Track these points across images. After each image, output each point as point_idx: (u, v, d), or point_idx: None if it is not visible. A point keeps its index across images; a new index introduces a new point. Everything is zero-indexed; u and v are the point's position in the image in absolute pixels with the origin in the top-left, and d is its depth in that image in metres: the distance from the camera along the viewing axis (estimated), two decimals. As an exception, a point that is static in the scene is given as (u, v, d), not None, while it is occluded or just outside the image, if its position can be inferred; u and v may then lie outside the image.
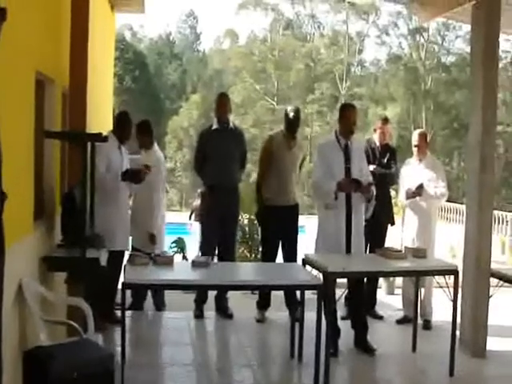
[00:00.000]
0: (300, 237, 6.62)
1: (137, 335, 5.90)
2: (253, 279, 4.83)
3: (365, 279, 5.97)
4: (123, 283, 4.29)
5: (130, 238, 6.45)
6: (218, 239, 6.49)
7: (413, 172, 6.49)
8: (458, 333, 5.31)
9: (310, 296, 4.91)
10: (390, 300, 7.92)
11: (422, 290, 6.28)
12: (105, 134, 5.23)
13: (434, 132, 35.59)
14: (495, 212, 11.95)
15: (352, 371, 5.40)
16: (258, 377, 5.05)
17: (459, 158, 38.80)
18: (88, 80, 5.86)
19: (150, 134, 6.51)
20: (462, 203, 21.67)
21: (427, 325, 6.42)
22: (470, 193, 5.81)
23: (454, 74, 38.28)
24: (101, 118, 8.08)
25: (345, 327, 5.64)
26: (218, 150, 6.39)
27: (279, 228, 6.40)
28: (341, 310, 6.08)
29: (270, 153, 6.42)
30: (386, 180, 6.50)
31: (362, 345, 5.57)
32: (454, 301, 5.08)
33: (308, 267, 5.09)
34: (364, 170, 5.59)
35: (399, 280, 7.73)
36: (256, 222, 9.78)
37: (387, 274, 6.40)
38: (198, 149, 6.66)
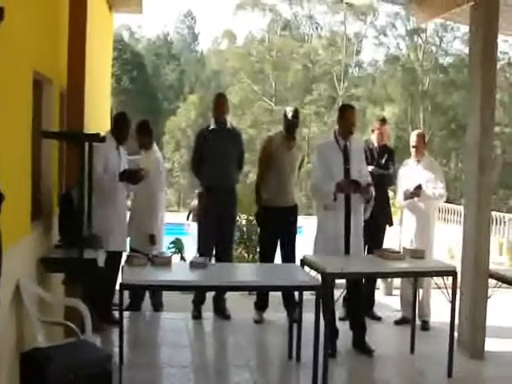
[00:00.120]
0: (298, 237, 6.62)
1: (135, 336, 5.88)
2: (251, 280, 4.81)
3: (363, 280, 5.96)
4: (121, 284, 4.29)
5: (129, 238, 6.46)
6: (216, 240, 6.48)
7: (411, 173, 6.49)
8: (456, 334, 5.30)
9: (308, 297, 4.91)
10: (387, 301, 7.92)
11: (420, 290, 6.27)
12: (103, 134, 5.22)
13: (432, 133, 35.60)
14: (493, 213, 11.93)
15: (350, 372, 5.39)
16: (256, 378, 5.03)
17: (457, 158, 38.83)
18: (86, 80, 5.85)
19: (149, 135, 6.50)
20: (459, 204, 21.69)
21: (425, 326, 6.42)
22: (468, 194, 5.80)
23: (451, 75, 38.31)
24: (99, 118, 8.07)
25: (343, 328, 5.63)
26: (215, 151, 6.38)
27: (278, 229, 6.41)
28: (339, 311, 6.07)
29: (268, 154, 6.42)
30: (384, 181, 6.49)
31: (361, 346, 5.57)
32: (453, 302, 5.08)
33: (306, 268, 5.09)
34: (363, 171, 5.59)
35: (397, 281, 7.73)
36: (254, 222, 9.85)
37: (385, 275, 6.39)
38: (195, 149, 6.65)
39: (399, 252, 5.47)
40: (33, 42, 4.30)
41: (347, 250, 5.42)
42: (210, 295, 6.55)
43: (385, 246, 6.36)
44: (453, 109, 37.47)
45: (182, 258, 9.13)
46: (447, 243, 12.99)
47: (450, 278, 5.10)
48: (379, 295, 7.59)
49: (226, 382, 5.04)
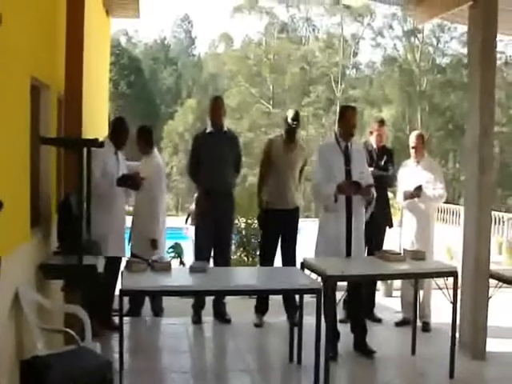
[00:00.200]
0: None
1: (135, 342, 5.86)
2: (251, 284, 4.79)
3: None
4: (121, 290, 4.27)
5: (131, 244, 6.45)
6: (213, 244, 6.45)
7: (410, 174, 6.48)
8: (457, 335, 5.29)
9: (309, 299, 4.90)
10: (388, 302, 7.89)
11: (421, 292, 6.26)
12: (101, 139, 5.20)
13: (430, 133, 35.64)
14: (492, 213, 11.94)
15: (352, 375, 5.38)
16: (257, 382, 5.03)
17: (454, 159, 38.89)
18: (83, 85, 5.84)
19: (149, 140, 6.49)
20: (457, 204, 21.69)
21: (426, 327, 6.40)
22: (469, 194, 5.79)
23: (448, 76, 38.38)
24: (96, 123, 8.06)
25: (343, 330, 5.62)
26: (212, 154, 6.36)
27: (278, 231, 6.41)
28: (339, 313, 6.06)
29: (269, 156, 6.44)
30: (383, 182, 6.48)
31: (362, 348, 5.55)
32: (454, 303, 5.07)
33: (307, 271, 5.07)
34: (365, 172, 5.58)
35: (397, 282, 7.71)
36: (254, 226, 9.86)
37: (386, 277, 6.38)
38: (191, 153, 6.62)
39: (400, 253, 5.45)
40: (30, 47, 4.29)
41: (348, 252, 5.41)
42: (209, 299, 6.53)
43: (385, 247, 6.36)
44: (450, 109, 37.55)
45: (182, 263, 9.11)
46: (445, 243, 12.99)
47: (450, 279, 5.09)
48: (379, 297, 7.57)
49: (227, 386, 5.04)
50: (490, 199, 5.70)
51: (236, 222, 9.87)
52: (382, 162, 6.60)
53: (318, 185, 5.50)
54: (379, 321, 6.68)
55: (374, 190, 5.47)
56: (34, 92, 4.57)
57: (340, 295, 5.36)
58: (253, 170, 34.11)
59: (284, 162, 6.37)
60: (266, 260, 6.43)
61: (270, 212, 6.42)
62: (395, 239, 6.89)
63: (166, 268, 4.77)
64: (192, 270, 4.79)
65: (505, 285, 5.44)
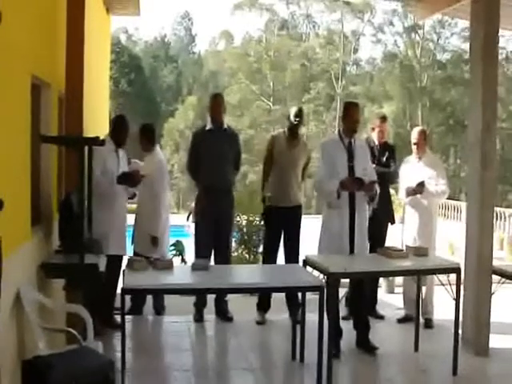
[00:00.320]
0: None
1: (137, 340, 5.86)
2: (254, 282, 4.76)
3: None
4: (123, 288, 4.25)
5: (134, 242, 6.44)
6: (213, 241, 6.43)
7: (412, 170, 6.46)
8: (459, 331, 5.27)
9: (311, 296, 4.88)
10: (390, 299, 7.89)
11: (423, 288, 6.24)
12: (102, 137, 5.19)
13: (430, 129, 35.60)
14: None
15: (354, 372, 5.37)
16: (260, 380, 5.02)
17: (455, 154, 38.87)
18: (84, 84, 5.82)
19: (151, 137, 6.48)
20: (458, 200, 21.67)
21: (429, 323, 6.39)
22: (471, 190, 5.77)
23: (449, 71, 38.34)
24: (97, 121, 8.04)
25: (345, 327, 5.61)
26: (211, 151, 6.34)
27: (280, 228, 6.40)
28: (341, 310, 6.04)
29: (271, 153, 6.44)
30: (385, 179, 6.45)
31: (364, 345, 5.54)
32: (457, 299, 5.05)
33: (309, 268, 5.06)
34: (368, 169, 5.55)
35: (399, 279, 7.70)
36: (255, 223, 9.84)
37: (389, 274, 6.37)
38: (191, 150, 6.60)
39: (402, 250, 5.44)
40: (30, 46, 4.27)
41: (351, 249, 5.39)
42: (211, 297, 6.51)
43: (387, 243, 6.34)
44: (451, 105, 37.52)
45: (183, 261, 9.09)
46: (447, 239, 12.98)
47: (453, 275, 5.07)
48: (381, 293, 7.56)
49: (230, 385, 5.03)
50: (493, 195, 5.68)
51: (238, 219, 9.88)
52: (384, 159, 6.57)
53: (321, 181, 5.49)
54: (381, 317, 6.67)
55: (377, 187, 5.45)
56: (35, 90, 4.55)
57: (342, 292, 5.35)
58: (253, 167, 34.17)
59: (286, 159, 6.35)
60: (269, 257, 6.43)
61: (273, 209, 6.42)
62: (397, 236, 6.87)
63: (168, 266, 4.75)
64: (194, 268, 4.78)
65: (507, 280, 5.42)
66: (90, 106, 6.73)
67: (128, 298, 5.80)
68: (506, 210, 17.89)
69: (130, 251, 6.32)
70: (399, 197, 6.86)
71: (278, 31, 42.08)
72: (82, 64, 5.74)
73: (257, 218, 9.85)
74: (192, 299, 6.51)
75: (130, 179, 5.84)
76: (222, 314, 6.48)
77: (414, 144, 6.50)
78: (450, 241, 13.50)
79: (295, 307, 5.96)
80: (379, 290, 7.24)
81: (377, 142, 6.66)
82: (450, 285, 5.04)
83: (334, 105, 38.96)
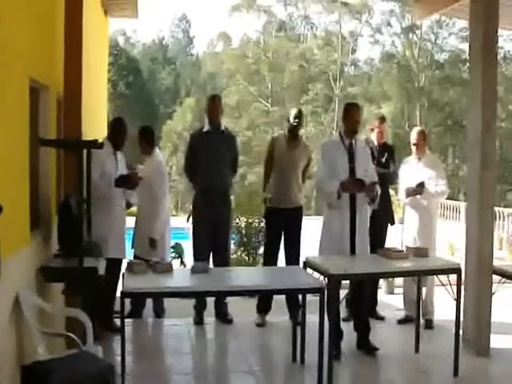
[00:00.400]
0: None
1: (137, 344, 5.84)
2: (254, 284, 4.75)
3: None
4: (122, 292, 4.23)
5: (134, 245, 6.43)
6: (211, 243, 6.41)
7: (412, 171, 6.45)
8: (460, 331, 5.26)
9: (311, 298, 4.86)
10: (390, 300, 7.87)
11: (424, 289, 6.23)
12: (100, 140, 5.18)
13: (429, 129, 35.59)
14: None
15: (355, 374, 5.35)
16: (260, 383, 5.00)
17: (454, 154, 38.87)
18: (83, 86, 5.80)
19: (150, 140, 6.47)
20: (457, 200, 21.65)
21: (429, 324, 6.38)
22: (471, 190, 5.76)
23: (447, 71, 38.34)
24: (96, 124, 8.03)
25: (346, 329, 5.60)
26: (209, 153, 6.32)
27: (281, 230, 6.39)
28: (342, 312, 6.02)
29: (271, 155, 6.45)
30: (385, 179, 6.44)
31: (365, 346, 5.53)
32: (458, 300, 5.04)
33: (309, 270, 5.04)
34: (369, 170, 5.54)
35: (399, 279, 7.68)
36: (253, 224, 9.84)
37: (390, 275, 6.34)
38: (188, 151, 6.56)
39: (403, 251, 5.42)
40: (28, 48, 4.26)
41: (353, 250, 5.38)
42: (211, 300, 6.50)
43: (387, 244, 6.33)
44: (449, 105, 37.52)
45: (182, 263, 9.06)
46: (446, 239, 12.95)
47: (453, 275, 5.06)
48: (381, 294, 7.54)
49: (231, 387, 5.01)
50: (492, 195, 5.67)
51: (237, 221, 9.87)
52: (383, 159, 6.56)
53: (321, 182, 5.48)
54: (382, 319, 6.66)
55: (378, 188, 5.44)
56: (33, 93, 4.54)
57: (342, 294, 5.33)
58: (252, 169, 34.17)
59: (286, 160, 6.35)
60: (270, 259, 6.42)
61: (273, 211, 6.42)
62: (397, 236, 6.86)
63: (168, 269, 4.73)
64: (193, 271, 4.76)
65: (508, 280, 5.41)
66: (89, 109, 6.72)
67: (128, 301, 5.80)
68: (505, 209, 17.87)
69: (130, 254, 6.31)
70: (399, 197, 6.85)
71: (276, 33, 42.07)
72: (80, 66, 5.72)
73: (256, 220, 9.84)
74: (192, 302, 6.49)
75: (127, 182, 5.83)
76: (222, 316, 6.47)
77: (414, 144, 6.49)
78: (450, 241, 13.48)
79: (295, 309, 5.95)
80: (379, 290, 7.22)
81: (376, 143, 6.65)
82: (451, 285, 5.03)
83: (332, 106, 38.96)
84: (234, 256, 9.81)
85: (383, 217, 6.41)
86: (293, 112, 6.43)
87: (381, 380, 5.21)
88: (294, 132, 6.41)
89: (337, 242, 5.38)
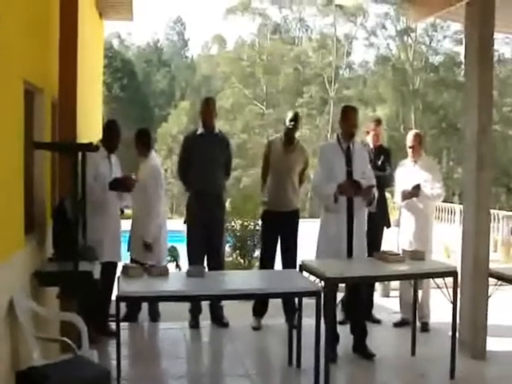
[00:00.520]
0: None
1: (132, 348, 5.82)
2: (250, 288, 4.73)
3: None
4: (117, 296, 4.21)
5: (130, 248, 6.40)
6: (206, 246, 6.39)
7: (408, 173, 6.45)
8: (456, 334, 5.25)
9: (307, 301, 4.84)
10: (385, 303, 7.86)
11: (420, 292, 6.22)
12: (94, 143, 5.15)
13: (424, 132, 35.64)
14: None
15: (352, 377, 5.34)
16: (257, 386, 4.99)
17: (448, 157, 38.94)
18: (77, 89, 5.78)
19: (146, 142, 6.45)
20: (452, 202, 21.67)
21: (425, 327, 6.37)
22: (467, 192, 5.76)
23: (441, 74, 38.41)
24: (91, 127, 8.00)
25: (342, 332, 5.57)
26: (202, 156, 6.30)
27: (277, 233, 6.37)
28: (338, 315, 6.01)
29: (267, 158, 6.44)
30: (380, 182, 6.43)
31: (361, 350, 5.52)
32: (454, 303, 5.04)
33: (305, 273, 5.02)
34: (367, 173, 5.53)
35: (395, 282, 7.66)
36: (249, 227, 9.83)
37: (386, 279, 6.32)
38: (182, 154, 6.55)
39: (399, 254, 5.42)
40: (23, 51, 4.23)
41: (350, 253, 5.36)
42: (206, 303, 6.46)
43: (383, 247, 6.32)
44: (443, 108, 37.57)
45: (178, 267, 9.04)
46: (441, 242, 12.95)
47: (449, 277, 5.05)
48: (376, 297, 7.53)
49: (226, 391, 4.99)
50: (489, 197, 5.68)
51: (232, 223, 9.85)
52: (379, 162, 6.55)
53: (319, 186, 5.47)
54: (378, 322, 6.65)
55: (375, 191, 5.43)
56: (28, 96, 4.51)
57: (339, 297, 5.33)
58: (246, 172, 34.17)
59: (282, 163, 6.34)
60: (266, 263, 6.40)
61: (270, 214, 6.41)
62: (392, 239, 6.86)
63: (163, 273, 4.71)
64: (189, 274, 4.74)
65: (504, 283, 5.40)
66: (84, 112, 6.69)
67: (123, 304, 5.78)
68: (500, 211, 17.91)
69: (125, 257, 6.28)
70: (395, 200, 6.84)
71: (271, 35, 42.09)
72: (75, 69, 5.70)
73: (251, 223, 9.83)
74: (187, 305, 6.46)
75: (122, 185, 5.81)
76: (218, 319, 6.45)
77: (410, 147, 6.49)
78: (446, 243, 13.48)
79: (291, 312, 5.93)
80: (374, 293, 7.21)
81: (372, 146, 6.64)
82: (447, 288, 5.03)
83: (327, 108, 38.98)
84: (230, 259, 9.79)
85: (379, 220, 6.40)
86: (289, 115, 6.43)
87: (377, 383, 5.20)
88: (289, 135, 6.40)
89: (334, 244, 5.37)
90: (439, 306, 5.92)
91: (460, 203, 20.86)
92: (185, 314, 6.44)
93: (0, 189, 3.56)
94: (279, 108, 37.40)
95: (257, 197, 10.00)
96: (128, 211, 6.74)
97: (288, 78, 39.92)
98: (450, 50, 38.57)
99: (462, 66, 34.88)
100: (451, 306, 5.06)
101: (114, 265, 5.88)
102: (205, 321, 6.47)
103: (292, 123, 6.34)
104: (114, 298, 4.75)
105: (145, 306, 6.63)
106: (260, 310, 6.46)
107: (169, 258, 9.03)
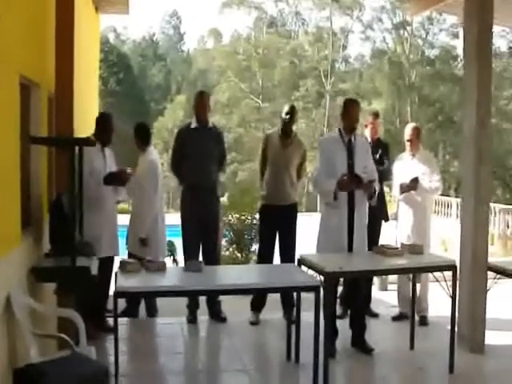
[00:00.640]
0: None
1: (130, 343, 5.79)
2: (249, 282, 4.69)
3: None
4: (115, 292, 4.18)
5: (127, 242, 6.38)
6: (201, 239, 6.37)
7: (406, 167, 6.43)
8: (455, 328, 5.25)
9: (305, 295, 4.83)
10: (383, 296, 7.87)
11: (418, 285, 6.21)
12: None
13: (420, 125, 35.64)
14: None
15: (351, 371, 5.32)
16: (254, 381, 4.97)
17: (444, 150, 38.95)
18: (74, 83, 5.74)
19: (143, 136, 6.41)
20: (448, 196, 21.70)
21: (424, 321, 6.36)
22: (466, 186, 5.74)
23: (438, 68, 38.41)
24: (87, 121, 7.95)
25: (340, 326, 5.56)
26: (196, 149, 6.27)
27: (275, 227, 6.35)
28: (336, 309, 6.00)
29: (265, 152, 6.42)
30: (379, 176, 6.41)
31: (360, 345, 5.50)
32: (453, 297, 5.03)
33: (304, 267, 5.00)
34: (368, 167, 5.49)
35: (392, 276, 7.67)
36: (246, 221, 9.82)
37: (385, 273, 6.32)
38: (175, 147, 6.50)
39: (398, 248, 5.40)
40: (19, 45, 4.19)
41: (350, 247, 5.34)
42: (203, 298, 6.45)
43: (381, 241, 6.30)
44: (440, 101, 37.56)
45: (175, 261, 9.02)
46: (439, 235, 12.98)
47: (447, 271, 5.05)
48: (374, 291, 7.52)
49: (225, 386, 4.97)
50: (488, 191, 5.67)
51: (229, 217, 9.84)
52: (377, 156, 6.52)
53: (318, 180, 5.45)
54: (376, 316, 6.64)
55: (376, 185, 5.40)
56: (24, 91, 4.47)
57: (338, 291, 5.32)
58: (243, 166, 34.13)
59: (280, 157, 6.31)
60: (264, 257, 6.38)
61: (268, 208, 6.39)
62: (391, 233, 6.84)
63: (161, 268, 4.69)
64: (187, 269, 4.72)
65: (503, 276, 5.40)
66: (80, 106, 6.66)
67: (121, 300, 5.75)
68: (496, 205, 17.94)
69: (123, 252, 6.26)
70: (393, 194, 6.83)
71: (267, 29, 42.03)
72: (71, 63, 5.66)
73: (248, 217, 9.82)
74: (185, 300, 6.44)
75: (117, 178, 5.78)
76: (216, 314, 6.43)
77: (408, 141, 6.47)
78: (443, 237, 13.51)
79: (290, 307, 5.92)
80: (372, 287, 7.20)
81: (369, 139, 6.61)
82: (446, 281, 5.02)
83: (323, 102, 38.95)
84: (227, 253, 9.79)
85: (377, 213, 6.37)
86: (285, 108, 6.39)
87: (376, 377, 5.20)
88: (286, 128, 6.36)
89: (334, 238, 5.35)
90: (437, 300, 5.91)
91: (456, 196, 20.90)
92: (182, 309, 6.42)
93: (-4, 184, 3.53)
94: (275, 102, 37.37)
95: (254, 191, 10.02)
96: (124, 205, 6.72)
97: (284, 71, 39.87)
98: (446, 44, 38.57)
99: (459, 60, 34.92)
100: (449, 299, 5.05)
101: (112, 259, 5.86)
102: (203, 316, 6.45)
103: (288, 116, 6.31)
104: (111, 293, 4.74)
105: (142, 301, 6.61)
106: (258, 304, 6.44)
107: (166, 252, 9.02)
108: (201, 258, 6.26)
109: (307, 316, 4.72)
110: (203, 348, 6.07)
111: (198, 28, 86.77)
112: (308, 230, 7.03)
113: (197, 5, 71.03)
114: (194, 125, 6.38)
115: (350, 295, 5.70)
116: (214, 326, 6.37)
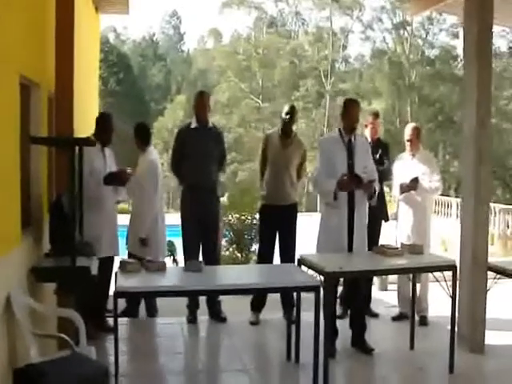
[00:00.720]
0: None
1: (130, 343, 5.79)
2: (249, 282, 4.69)
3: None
4: (115, 292, 4.19)
5: (128, 242, 6.38)
6: (201, 239, 6.37)
7: (406, 167, 6.43)
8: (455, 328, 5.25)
9: (305, 295, 4.83)
10: (383, 296, 7.86)
11: (418, 285, 6.21)
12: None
13: (420, 125, 35.63)
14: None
15: (351, 371, 5.32)
16: (254, 381, 4.97)
17: (444, 150, 38.96)
18: (74, 83, 5.74)
19: (144, 136, 6.41)
20: (448, 196, 21.70)
21: (424, 321, 6.36)
22: (466, 186, 5.74)
23: (437, 67, 38.41)
24: (87, 121, 7.95)
25: (340, 327, 5.56)
26: (196, 149, 6.27)
27: (275, 227, 6.35)
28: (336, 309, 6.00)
29: (265, 152, 6.42)
30: (379, 176, 6.41)
31: (360, 345, 5.50)
32: (453, 297, 5.03)
33: (304, 267, 5.01)
34: (368, 167, 5.48)
35: (392, 276, 7.67)
36: (246, 221, 9.82)
37: (386, 273, 6.32)
38: (175, 147, 6.50)
39: (398, 248, 5.40)
40: (19, 45, 4.19)
41: (350, 246, 5.34)
42: (203, 298, 6.45)
43: (381, 241, 6.30)
44: (440, 101, 37.57)
45: (175, 261, 9.02)
46: (438, 235, 12.97)
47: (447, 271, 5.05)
48: (374, 291, 7.52)
49: (225, 386, 4.97)
50: (488, 191, 5.67)
51: (229, 217, 9.84)
52: (377, 156, 6.52)
53: (318, 180, 5.45)
54: (376, 316, 6.64)
55: (376, 185, 5.40)
56: (24, 91, 4.47)
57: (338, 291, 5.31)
58: (243, 166, 34.13)
59: (279, 157, 6.31)
60: (264, 257, 6.38)
61: (268, 208, 6.39)
62: (391, 233, 6.84)
63: (161, 268, 4.69)
64: (187, 269, 4.72)
65: (503, 277, 5.40)
66: (80, 106, 6.66)
67: (121, 300, 5.75)
68: (496, 205, 17.94)
69: (123, 252, 6.26)
70: (393, 194, 6.83)
71: (267, 29, 42.04)
72: (71, 63, 5.66)
73: (248, 217, 9.82)
74: (185, 300, 6.45)
75: (117, 178, 5.78)
76: (216, 314, 6.43)
77: (408, 141, 6.47)
78: (443, 237, 13.51)
79: (290, 307, 5.92)
80: (372, 287, 7.20)
81: (369, 139, 6.61)
82: (446, 281, 5.02)
83: (323, 102, 38.96)
84: (227, 253, 9.79)
85: (377, 213, 6.38)
86: (285, 108, 6.39)
87: (376, 377, 5.20)
88: (286, 128, 6.36)
89: (334, 238, 5.35)
90: (437, 300, 5.91)
91: (456, 196, 20.90)
92: (182, 309, 6.42)
93: (-4, 184, 3.53)
94: (275, 102, 37.38)
95: (254, 191, 10.02)
96: (124, 205, 6.72)
97: (284, 71, 39.88)
98: (446, 44, 38.57)
99: (459, 60, 34.92)
100: (449, 299, 5.05)
101: (112, 259, 5.86)
102: (203, 316, 6.45)
103: (288, 116, 6.31)
104: (111, 293, 4.73)
105: (142, 301, 6.61)
106: (258, 304, 6.44)
107: (166, 252, 9.02)
108: (201, 258, 6.26)
109: (307, 316, 4.72)
110: (203, 348, 6.07)
111: (198, 28, 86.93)
112: (308, 229, 7.03)
113: (197, 5, 71.15)
114: (194, 125, 6.38)
115: (350, 295, 5.70)
116: (213, 325, 6.37)
